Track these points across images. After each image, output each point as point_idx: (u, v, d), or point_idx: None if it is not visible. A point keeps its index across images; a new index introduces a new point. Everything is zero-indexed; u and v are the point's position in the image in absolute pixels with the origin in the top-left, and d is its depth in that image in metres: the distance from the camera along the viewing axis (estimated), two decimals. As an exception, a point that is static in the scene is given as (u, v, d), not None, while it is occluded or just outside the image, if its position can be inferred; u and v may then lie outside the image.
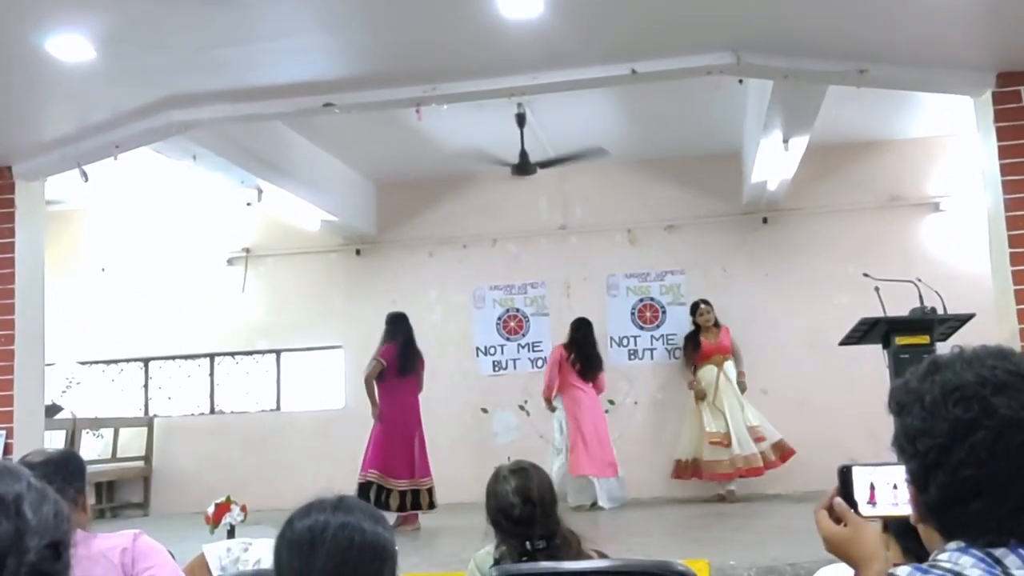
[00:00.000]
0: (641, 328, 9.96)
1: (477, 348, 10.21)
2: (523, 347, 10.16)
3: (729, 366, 8.92)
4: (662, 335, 9.89)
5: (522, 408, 9.84)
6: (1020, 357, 1.24)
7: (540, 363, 9.64)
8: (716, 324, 9.15)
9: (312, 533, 1.69)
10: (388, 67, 5.83)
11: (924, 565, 1.19)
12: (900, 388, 1.31)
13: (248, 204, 9.29)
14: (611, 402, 9.64)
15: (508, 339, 10.22)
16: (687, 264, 9.93)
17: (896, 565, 1.28)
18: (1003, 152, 5.69)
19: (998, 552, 1.14)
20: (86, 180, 6.60)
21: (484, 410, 10.02)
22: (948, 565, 1.16)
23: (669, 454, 9.13)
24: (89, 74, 5.47)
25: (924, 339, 5.54)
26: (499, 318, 10.26)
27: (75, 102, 6.08)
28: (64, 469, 2.90)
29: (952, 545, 1.18)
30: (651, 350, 9.92)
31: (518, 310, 10.26)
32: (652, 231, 10.03)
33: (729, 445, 8.50)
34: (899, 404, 1.29)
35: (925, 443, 1.22)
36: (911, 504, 1.31)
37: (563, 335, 9.15)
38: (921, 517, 1.28)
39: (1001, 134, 5.71)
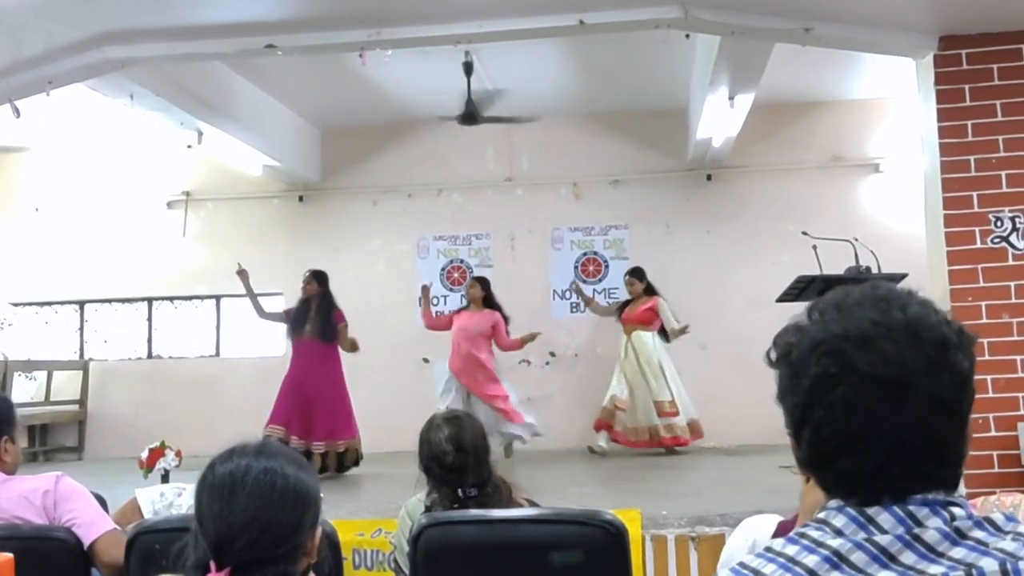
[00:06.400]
0: (584, 281, 10.00)
1: (420, 299, 10.15)
2: (466, 298, 10.12)
3: (639, 336, 8.67)
4: (604, 289, 9.95)
5: (463, 359, 9.82)
6: (900, 301, 1.15)
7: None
8: (648, 292, 8.82)
9: (233, 477, 1.67)
10: (332, 9, 5.72)
11: (802, 528, 1.16)
12: (778, 339, 1.22)
13: (189, 146, 9.10)
14: (552, 354, 9.70)
15: (451, 290, 10.19)
16: (631, 219, 9.96)
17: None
18: (942, 115, 5.75)
19: (871, 510, 1.12)
20: (18, 116, 6.39)
21: (425, 360, 10.01)
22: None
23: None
24: (19, 4, 5.27)
25: (858, 297, 5.62)
26: (443, 269, 10.23)
27: (5, 34, 5.86)
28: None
29: (832, 503, 1.15)
30: (593, 304, 9.95)
31: (462, 261, 10.23)
32: (597, 185, 10.04)
33: (626, 411, 8.48)
34: (772, 361, 1.22)
35: (790, 401, 1.17)
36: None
37: (507, 288, 9.11)
38: (803, 473, 1.26)
39: (941, 97, 5.76)
